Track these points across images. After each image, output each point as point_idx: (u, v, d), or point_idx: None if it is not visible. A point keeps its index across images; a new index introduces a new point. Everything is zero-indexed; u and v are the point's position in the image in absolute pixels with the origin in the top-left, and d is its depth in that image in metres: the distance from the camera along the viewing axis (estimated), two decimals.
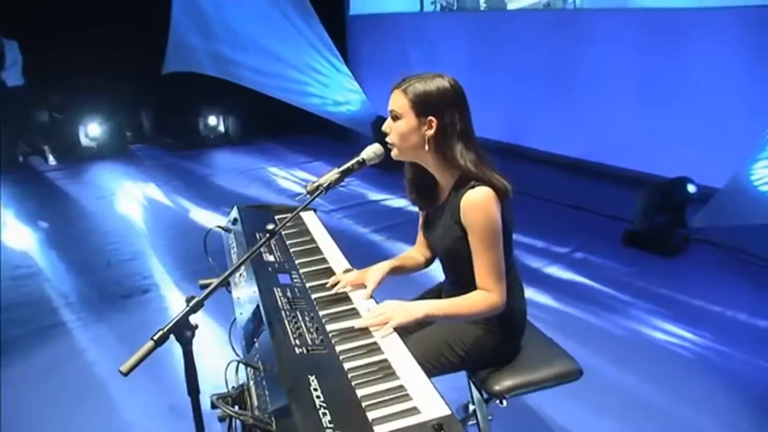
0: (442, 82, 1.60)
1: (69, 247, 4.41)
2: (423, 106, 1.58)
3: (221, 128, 7.97)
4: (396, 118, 1.63)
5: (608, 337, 3.07)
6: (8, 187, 6.03)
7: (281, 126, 7.90)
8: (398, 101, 1.61)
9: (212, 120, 7.88)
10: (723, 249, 4.04)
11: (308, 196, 1.62)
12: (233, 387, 1.44)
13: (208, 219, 4.94)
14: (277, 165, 6.85)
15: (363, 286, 1.73)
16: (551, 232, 4.40)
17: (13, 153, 7.07)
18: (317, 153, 7.28)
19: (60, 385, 2.74)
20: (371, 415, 1.15)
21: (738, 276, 3.72)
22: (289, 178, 6.33)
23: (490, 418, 2.03)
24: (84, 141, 7.34)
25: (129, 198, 5.69)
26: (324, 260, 1.91)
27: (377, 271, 1.76)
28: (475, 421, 2.01)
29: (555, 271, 3.88)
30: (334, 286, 1.74)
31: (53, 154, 7.16)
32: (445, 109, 1.59)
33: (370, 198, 5.49)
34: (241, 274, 1.83)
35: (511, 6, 6.49)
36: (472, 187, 1.57)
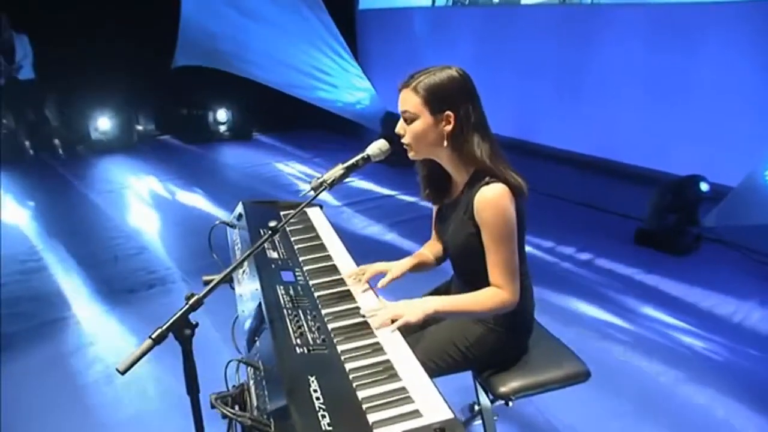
0: (452, 73, 1.54)
1: (76, 241, 4.42)
2: (437, 101, 1.53)
3: (230, 123, 7.97)
4: (410, 119, 1.57)
5: (618, 336, 3.02)
6: (18, 180, 6.06)
7: (289, 121, 7.90)
8: (410, 101, 1.55)
9: (221, 115, 7.88)
10: (735, 249, 3.98)
11: (313, 192, 1.58)
12: (233, 386, 1.42)
13: (216, 214, 4.93)
14: (284, 160, 6.84)
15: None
16: (561, 230, 4.35)
17: (23, 146, 7.10)
18: (325, 149, 7.26)
19: (63, 379, 2.74)
20: (372, 417, 1.13)
21: (750, 276, 3.66)
22: (296, 174, 6.31)
23: (495, 418, 2.00)
24: (93, 135, 7.36)
25: (137, 192, 5.69)
26: (329, 257, 1.88)
27: (398, 267, 1.76)
28: (480, 421, 1.98)
29: (564, 269, 3.83)
30: (340, 279, 1.73)
31: (63, 148, 7.19)
32: (459, 102, 1.53)
33: (379, 194, 5.46)
34: (244, 271, 1.81)
35: (525, 1, 6.42)
36: (487, 183, 1.53)
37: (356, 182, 5.70)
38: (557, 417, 2.41)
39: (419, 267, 1.84)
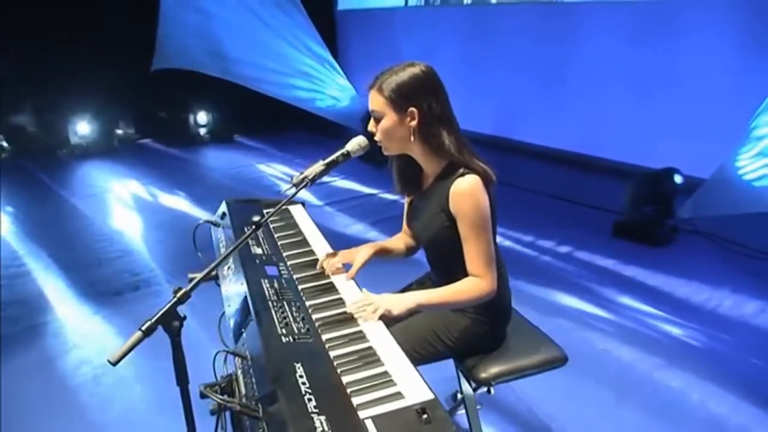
0: (414, 70, 1.60)
1: (59, 246, 4.39)
2: (400, 99, 1.59)
3: (211, 125, 7.93)
4: (378, 118, 1.65)
5: (597, 325, 3.10)
6: None
7: (271, 123, 7.89)
8: (376, 101, 1.63)
9: (202, 117, 7.83)
10: (710, 239, 4.09)
11: (294, 188, 1.63)
12: (221, 376, 1.46)
13: (198, 215, 4.92)
14: (266, 161, 6.84)
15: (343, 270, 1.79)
16: (540, 224, 4.43)
17: None
18: (307, 149, 7.27)
19: (51, 381, 2.75)
20: (356, 400, 1.18)
21: (724, 265, 3.77)
22: (279, 175, 6.32)
23: (479, 407, 2.06)
24: (73, 139, 7.30)
25: (119, 195, 5.67)
26: (311, 252, 1.93)
27: (364, 250, 1.81)
28: (464, 410, 2.03)
29: (544, 262, 3.91)
30: (322, 272, 1.78)
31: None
32: (422, 97, 1.60)
33: (363, 192, 5.50)
34: (229, 267, 1.85)
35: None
36: (462, 175, 1.59)
37: (338, 181, 5.73)
38: (539, 405, 2.47)
39: (388, 252, 1.89)
